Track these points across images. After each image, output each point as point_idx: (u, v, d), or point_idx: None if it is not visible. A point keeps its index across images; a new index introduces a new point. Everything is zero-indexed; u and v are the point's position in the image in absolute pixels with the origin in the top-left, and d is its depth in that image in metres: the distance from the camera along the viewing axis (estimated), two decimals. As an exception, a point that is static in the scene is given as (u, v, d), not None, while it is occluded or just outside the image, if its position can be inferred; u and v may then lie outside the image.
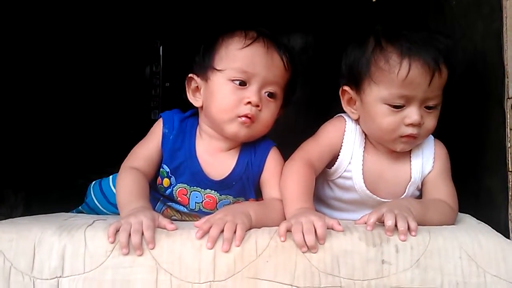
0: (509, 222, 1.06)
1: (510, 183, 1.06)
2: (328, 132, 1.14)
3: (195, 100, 1.13)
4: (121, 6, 2.84)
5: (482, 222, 1.05)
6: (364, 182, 1.11)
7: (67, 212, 1.28)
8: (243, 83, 1.05)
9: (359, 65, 1.06)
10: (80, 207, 1.26)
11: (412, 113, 1.02)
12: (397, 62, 1.01)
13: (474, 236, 0.93)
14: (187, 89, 1.14)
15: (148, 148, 1.11)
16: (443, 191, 1.10)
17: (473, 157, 1.22)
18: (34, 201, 2.00)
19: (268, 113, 1.07)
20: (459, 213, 1.12)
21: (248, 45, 1.05)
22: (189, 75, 1.13)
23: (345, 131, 1.13)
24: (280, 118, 1.15)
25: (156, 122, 1.14)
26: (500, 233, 0.98)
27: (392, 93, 1.02)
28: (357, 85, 1.08)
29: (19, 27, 2.12)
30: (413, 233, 0.89)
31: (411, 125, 1.03)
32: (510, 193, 1.06)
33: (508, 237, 1.04)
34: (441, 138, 1.17)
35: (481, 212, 1.11)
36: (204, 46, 1.11)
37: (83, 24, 2.75)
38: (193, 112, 1.16)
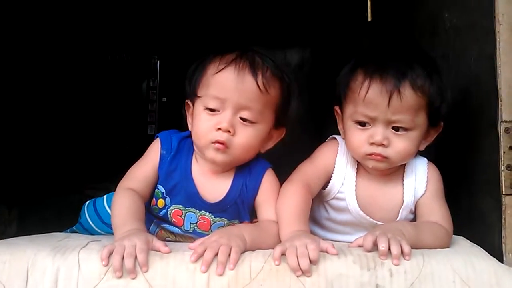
0: (503, 245, 1.06)
1: (504, 206, 1.06)
2: (323, 154, 1.15)
3: (190, 125, 1.14)
4: (119, 22, 2.86)
5: (475, 245, 1.05)
6: (358, 204, 1.12)
7: (62, 228, 1.28)
8: (215, 110, 1.05)
9: (340, 85, 1.12)
10: (74, 227, 1.25)
11: (375, 133, 1.05)
12: (360, 82, 1.06)
13: (467, 260, 0.93)
14: (186, 113, 1.15)
15: (145, 169, 1.11)
16: (437, 213, 1.10)
17: (467, 179, 1.23)
18: (28, 217, 1.99)
19: (243, 138, 1.06)
20: (453, 235, 1.13)
21: (220, 70, 1.05)
22: (186, 101, 1.14)
23: (337, 153, 1.14)
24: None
25: (153, 143, 1.14)
26: (494, 255, 0.98)
27: (356, 111, 1.07)
28: (340, 105, 1.14)
29: (18, 42, 2.12)
30: (406, 257, 0.89)
31: (374, 144, 1.05)
32: (503, 216, 1.06)
33: (501, 260, 1.04)
34: (436, 159, 1.18)
35: (475, 234, 1.11)
36: (192, 72, 1.12)
37: (80, 39, 2.76)
38: (190, 133, 1.15)
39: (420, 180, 1.13)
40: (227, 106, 1.04)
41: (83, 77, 2.83)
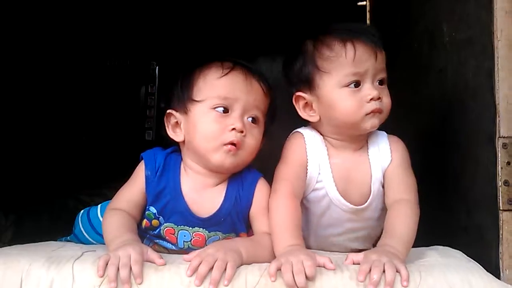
0: (500, 260, 1.06)
1: (501, 222, 1.06)
2: (293, 151, 1.14)
3: (175, 135, 1.11)
4: (118, 27, 2.87)
5: (472, 260, 1.04)
6: (336, 187, 1.12)
7: (58, 234, 1.27)
8: (226, 110, 1.05)
9: (306, 66, 1.11)
10: (69, 237, 1.24)
11: (370, 89, 1.07)
12: (341, 46, 1.08)
13: (464, 276, 0.92)
14: (166, 125, 1.12)
15: (132, 192, 1.09)
16: (403, 183, 1.11)
17: (464, 194, 1.22)
18: (24, 223, 1.98)
19: (252, 139, 1.07)
20: (449, 248, 1.12)
21: (226, 73, 1.06)
22: (168, 111, 1.11)
23: (305, 144, 1.13)
24: (263, 147, 1.14)
25: (139, 165, 1.11)
26: (491, 271, 0.98)
27: (345, 74, 1.07)
28: (309, 84, 1.12)
29: (17, 46, 2.12)
30: (404, 283, 0.88)
31: (372, 99, 1.07)
32: (501, 232, 1.06)
33: (498, 275, 1.04)
34: (432, 174, 1.18)
35: (472, 250, 1.11)
36: (181, 80, 1.10)
37: (79, 44, 2.76)
38: (175, 149, 1.14)
39: (384, 151, 1.14)
40: (236, 107, 1.05)
41: (81, 82, 2.83)
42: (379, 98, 1.07)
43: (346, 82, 1.07)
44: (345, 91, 1.07)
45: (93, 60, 2.95)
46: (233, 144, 1.04)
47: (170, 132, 1.11)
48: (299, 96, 1.14)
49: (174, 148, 1.14)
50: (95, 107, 2.88)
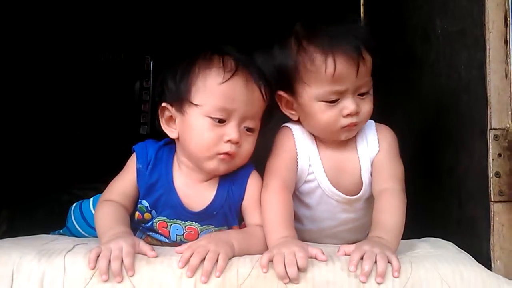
0: (491, 252, 1.06)
1: (493, 213, 1.07)
2: (282, 145, 1.14)
3: (170, 131, 1.08)
4: (113, 21, 2.86)
5: (463, 251, 1.05)
6: (327, 178, 1.12)
7: (52, 228, 1.27)
8: (222, 121, 1.02)
9: (288, 69, 1.08)
10: (61, 231, 1.24)
11: (348, 104, 1.05)
12: (322, 61, 1.03)
13: (455, 267, 0.93)
14: (160, 118, 1.08)
15: (124, 184, 1.08)
16: (389, 172, 1.11)
17: (456, 186, 1.23)
18: (18, 218, 1.98)
19: (247, 147, 1.06)
20: (441, 239, 1.13)
21: (227, 79, 1.01)
22: (162, 104, 1.07)
23: (294, 137, 1.14)
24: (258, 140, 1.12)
25: (131, 157, 1.10)
26: (482, 262, 0.99)
27: (325, 91, 1.05)
28: (290, 88, 1.10)
29: (10, 42, 2.11)
30: (395, 274, 0.89)
31: (349, 115, 1.06)
32: (492, 223, 1.07)
33: (490, 266, 1.05)
34: (424, 166, 1.18)
35: (463, 241, 1.11)
36: (180, 73, 1.06)
37: (74, 39, 2.75)
38: (168, 141, 1.11)
39: (372, 141, 1.14)
40: (233, 117, 1.02)
41: (76, 77, 2.82)
42: (356, 113, 1.06)
43: (324, 98, 1.06)
44: (322, 104, 1.06)
45: (87, 54, 2.94)
46: (228, 154, 1.02)
47: (164, 126, 1.08)
48: (281, 95, 1.13)
49: (168, 140, 1.11)
50: (90, 102, 2.87)
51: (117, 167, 1.12)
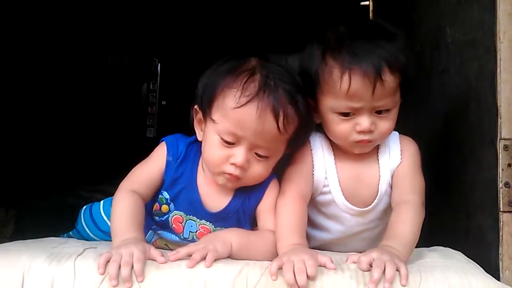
0: (500, 262, 1.06)
1: (501, 223, 1.07)
2: (300, 156, 1.14)
3: (198, 132, 1.10)
4: (120, 24, 2.87)
5: (472, 261, 1.05)
6: (342, 192, 1.12)
7: (58, 229, 1.28)
8: (230, 143, 1.01)
9: (311, 74, 1.08)
10: (71, 233, 1.25)
11: (362, 121, 1.05)
12: (338, 76, 1.03)
13: (464, 278, 0.92)
14: (194, 117, 1.10)
15: (150, 173, 1.09)
16: (410, 185, 1.11)
17: (465, 195, 1.23)
18: (25, 218, 1.99)
19: (257, 170, 1.04)
20: (450, 249, 1.13)
21: (241, 106, 0.98)
22: (195, 106, 1.08)
23: (311, 148, 1.15)
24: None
25: (159, 147, 1.11)
26: (491, 272, 0.98)
27: (339, 104, 1.05)
28: (312, 94, 1.10)
29: (18, 43, 2.13)
30: (403, 282, 0.88)
31: (362, 132, 1.05)
32: (501, 233, 1.07)
33: (498, 277, 1.04)
34: (434, 175, 1.18)
35: (472, 251, 1.11)
36: (207, 82, 1.05)
37: (81, 41, 2.76)
38: (196, 138, 1.11)
39: (394, 153, 1.14)
40: (242, 142, 1.01)
41: (83, 79, 2.83)
42: (370, 131, 1.05)
43: (339, 110, 1.06)
44: (336, 116, 1.07)
45: (95, 56, 2.96)
46: (231, 175, 1.03)
47: (196, 126, 1.10)
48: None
49: (196, 138, 1.11)
50: (97, 103, 2.88)
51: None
